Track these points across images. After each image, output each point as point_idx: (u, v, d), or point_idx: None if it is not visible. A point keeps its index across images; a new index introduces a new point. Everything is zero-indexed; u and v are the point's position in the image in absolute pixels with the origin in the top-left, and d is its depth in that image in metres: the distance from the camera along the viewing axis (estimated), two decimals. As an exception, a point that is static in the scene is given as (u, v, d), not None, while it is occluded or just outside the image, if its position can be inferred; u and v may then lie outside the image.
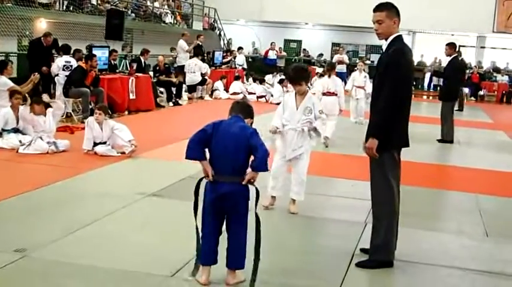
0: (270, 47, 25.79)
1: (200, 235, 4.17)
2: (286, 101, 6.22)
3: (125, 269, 4.36)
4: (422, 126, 12.93)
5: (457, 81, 12.17)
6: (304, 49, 29.08)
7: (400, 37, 4.69)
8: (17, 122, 8.89)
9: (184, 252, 4.61)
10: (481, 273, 4.80)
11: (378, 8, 4.71)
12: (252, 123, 4.29)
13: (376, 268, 4.67)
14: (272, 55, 25.53)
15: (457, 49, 12.27)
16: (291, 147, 6.10)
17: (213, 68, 19.52)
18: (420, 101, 21.68)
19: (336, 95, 10.40)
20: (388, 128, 4.56)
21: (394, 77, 4.55)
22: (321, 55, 28.45)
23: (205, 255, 4.13)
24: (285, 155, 6.15)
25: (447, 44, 11.99)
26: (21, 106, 8.98)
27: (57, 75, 12.32)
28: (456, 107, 14.44)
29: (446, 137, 11.74)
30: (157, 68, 16.04)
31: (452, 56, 11.93)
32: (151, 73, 15.69)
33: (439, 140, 11.76)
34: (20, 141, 8.50)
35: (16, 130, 8.83)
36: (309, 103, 6.12)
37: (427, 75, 26.88)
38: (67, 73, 12.00)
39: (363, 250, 4.97)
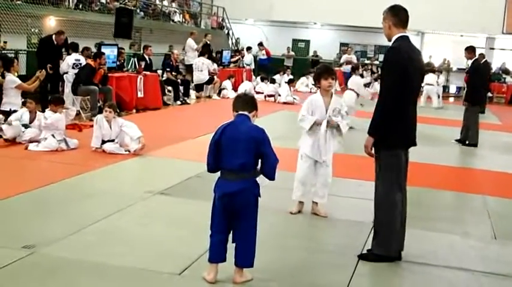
0: (259, 48, 25.23)
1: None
2: (315, 102, 5.92)
3: (133, 266, 4.38)
4: (431, 127, 12.89)
5: (480, 84, 12.00)
6: (315, 51, 29.02)
7: (400, 37, 4.68)
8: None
9: (192, 250, 4.64)
10: (488, 275, 4.78)
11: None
12: (257, 116, 4.29)
13: (376, 261, 4.72)
14: (261, 55, 25.15)
15: (476, 52, 12.00)
16: (325, 148, 5.89)
17: (221, 67, 19.54)
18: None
19: (354, 91, 12.13)
20: (384, 126, 4.58)
21: (388, 76, 4.61)
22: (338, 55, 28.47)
23: (214, 252, 4.13)
24: (314, 159, 5.93)
25: (466, 49, 11.76)
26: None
27: (66, 73, 12.37)
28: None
29: (470, 141, 11.66)
30: (171, 62, 16.03)
31: (473, 59, 11.81)
32: (159, 71, 15.71)
33: (457, 140, 11.78)
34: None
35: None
36: (337, 104, 5.91)
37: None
38: (76, 71, 12.05)
39: (370, 251, 4.96)
